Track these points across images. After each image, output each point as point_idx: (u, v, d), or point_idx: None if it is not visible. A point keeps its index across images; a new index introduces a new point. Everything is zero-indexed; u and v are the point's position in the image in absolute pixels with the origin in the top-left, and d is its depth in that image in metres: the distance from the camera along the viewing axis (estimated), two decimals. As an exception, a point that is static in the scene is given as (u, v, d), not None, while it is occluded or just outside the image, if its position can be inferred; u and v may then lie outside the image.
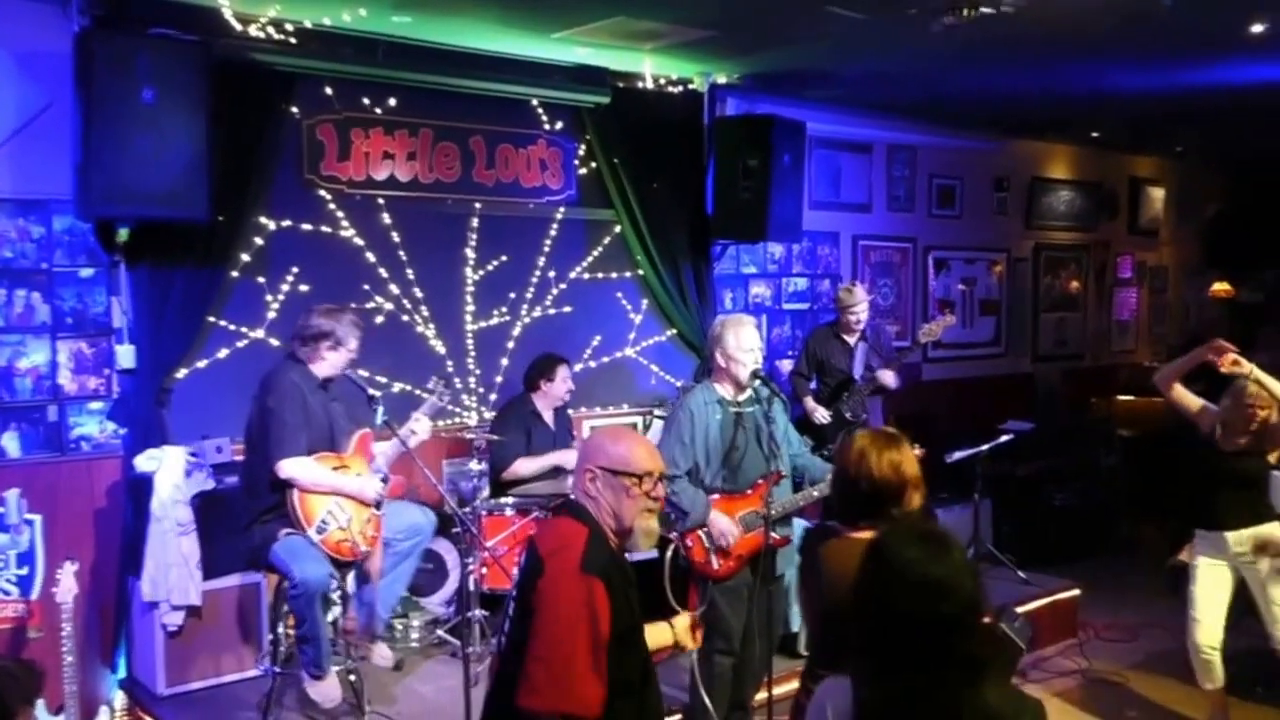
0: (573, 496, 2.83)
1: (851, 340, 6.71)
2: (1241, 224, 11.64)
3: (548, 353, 6.04)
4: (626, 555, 2.82)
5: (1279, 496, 5.00)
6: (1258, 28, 5.77)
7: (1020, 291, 10.02)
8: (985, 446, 6.73)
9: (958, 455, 6.64)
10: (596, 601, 2.56)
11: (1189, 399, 5.07)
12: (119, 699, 4.99)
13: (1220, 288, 11.97)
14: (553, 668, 2.53)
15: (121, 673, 5.07)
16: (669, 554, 4.60)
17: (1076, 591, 6.61)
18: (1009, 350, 9.95)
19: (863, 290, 6.77)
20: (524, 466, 5.73)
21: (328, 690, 4.43)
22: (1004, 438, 6.89)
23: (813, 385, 6.81)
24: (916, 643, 1.96)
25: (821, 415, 6.59)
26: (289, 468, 4.33)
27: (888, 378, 6.52)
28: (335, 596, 4.56)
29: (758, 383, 4.44)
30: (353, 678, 4.58)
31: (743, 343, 4.47)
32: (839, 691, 2.12)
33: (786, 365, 7.63)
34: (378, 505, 4.59)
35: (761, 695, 4.50)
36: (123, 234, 4.95)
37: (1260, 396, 4.81)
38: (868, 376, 6.58)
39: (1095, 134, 9.92)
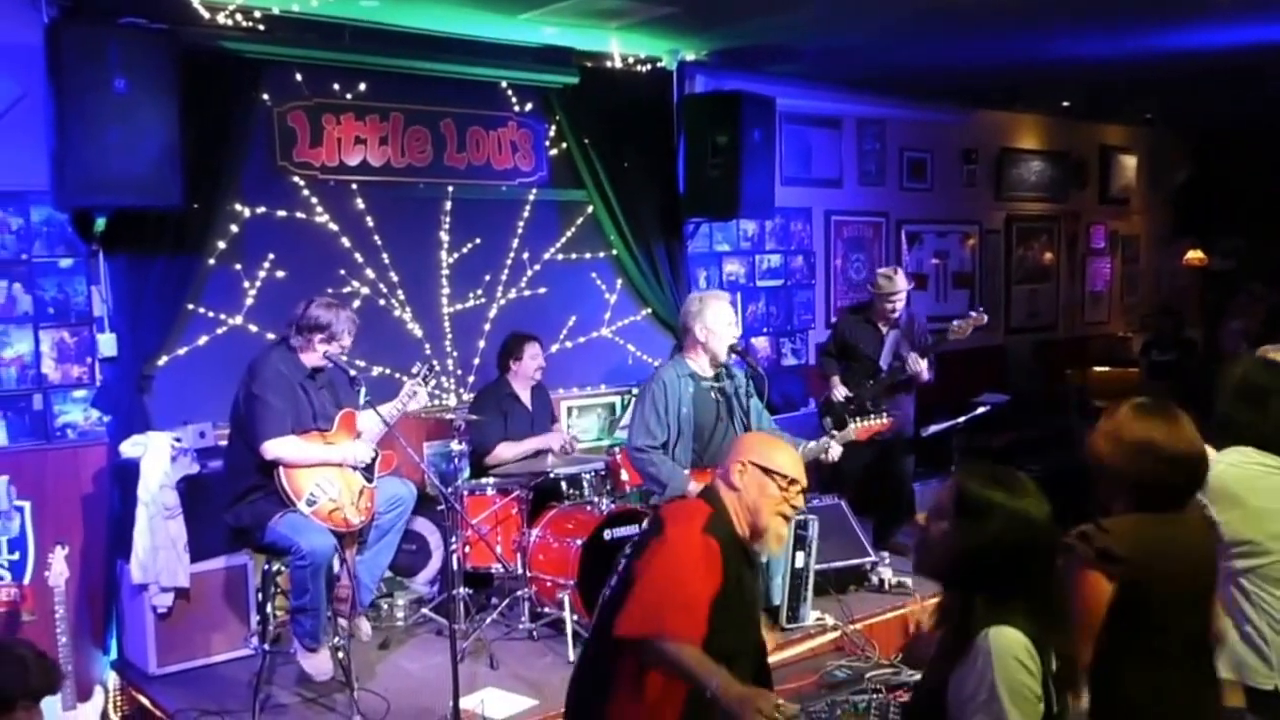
0: (714, 482, 2.97)
1: (884, 328, 6.42)
2: (1211, 190, 11.65)
3: (515, 331, 6.10)
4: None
5: None
6: (1218, -9, 5.85)
7: (992, 264, 10.09)
8: (961, 419, 6.66)
9: (934, 429, 6.62)
10: (711, 557, 2.70)
11: None
12: (112, 679, 5.08)
13: (1193, 256, 11.96)
14: (649, 599, 2.64)
15: (113, 654, 5.15)
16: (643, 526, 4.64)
17: (1053, 556, 6.68)
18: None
19: (904, 277, 6.41)
20: (506, 451, 5.76)
21: (320, 663, 4.51)
22: (980, 410, 6.91)
23: (840, 366, 6.55)
24: None
25: (840, 392, 6.32)
26: (274, 448, 4.40)
27: (919, 365, 6.15)
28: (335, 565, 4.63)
29: (735, 357, 4.52)
30: (341, 655, 4.64)
31: (721, 317, 4.55)
32: None
33: (760, 342, 7.70)
34: (369, 477, 4.66)
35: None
36: (100, 223, 4.99)
37: None
38: (895, 365, 6.28)
39: (1065, 103, 9.96)
